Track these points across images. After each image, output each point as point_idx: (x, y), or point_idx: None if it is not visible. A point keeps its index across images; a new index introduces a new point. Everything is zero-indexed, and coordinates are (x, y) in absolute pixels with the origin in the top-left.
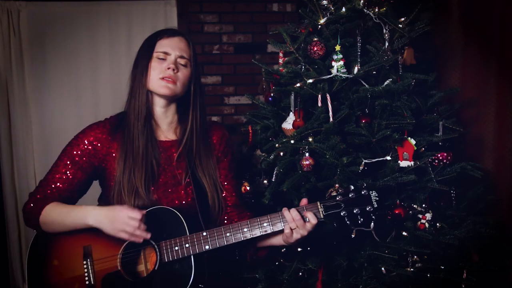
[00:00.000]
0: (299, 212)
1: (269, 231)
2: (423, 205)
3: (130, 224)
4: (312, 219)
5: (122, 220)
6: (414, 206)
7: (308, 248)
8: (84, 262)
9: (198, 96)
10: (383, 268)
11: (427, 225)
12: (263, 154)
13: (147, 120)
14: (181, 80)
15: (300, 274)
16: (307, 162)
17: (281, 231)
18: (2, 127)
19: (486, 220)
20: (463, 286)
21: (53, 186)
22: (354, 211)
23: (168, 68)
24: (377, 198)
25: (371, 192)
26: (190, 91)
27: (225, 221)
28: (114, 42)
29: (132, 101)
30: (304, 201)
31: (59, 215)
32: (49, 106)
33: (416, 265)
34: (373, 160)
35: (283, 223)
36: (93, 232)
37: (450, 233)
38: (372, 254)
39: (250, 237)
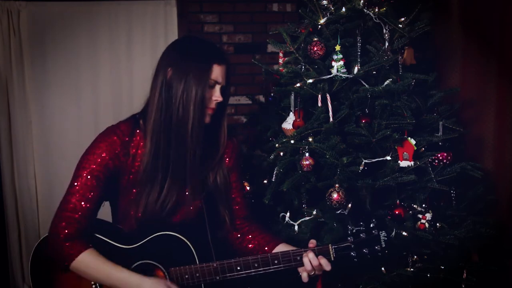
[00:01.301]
0: (316, 257)
1: (281, 268)
2: (423, 205)
3: None
4: (326, 266)
5: None
6: (414, 206)
7: None
8: (93, 284)
9: (225, 115)
10: (383, 268)
11: (427, 225)
12: (263, 154)
13: (198, 147)
14: (219, 104)
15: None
16: (307, 162)
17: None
18: (2, 127)
19: (486, 220)
20: (463, 286)
21: (80, 208)
22: (364, 251)
23: (216, 100)
24: (386, 238)
25: (380, 232)
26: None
27: (235, 233)
28: (114, 42)
29: (180, 120)
30: (311, 245)
31: (97, 272)
32: (49, 106)
33: (416, 265)
34: (373, 160)
35: (294, 262)
36: (102, 253)
37: (450, 233)
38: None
39: (262, 272)
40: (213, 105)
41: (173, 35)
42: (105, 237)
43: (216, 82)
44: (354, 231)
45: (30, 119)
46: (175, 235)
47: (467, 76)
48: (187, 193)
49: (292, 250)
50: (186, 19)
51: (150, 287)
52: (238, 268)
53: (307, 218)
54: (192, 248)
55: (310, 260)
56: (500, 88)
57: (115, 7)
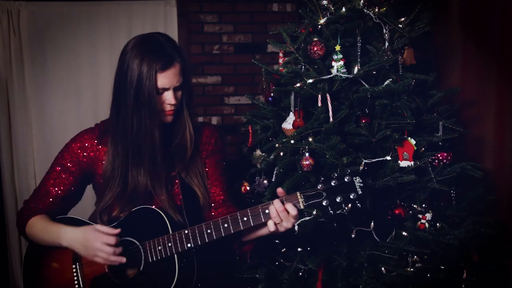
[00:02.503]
0: (282, 203)
1: (251, 225)
2: (423, 205)
3: (104, 251)
4: (291, 210)
5: (96, 246)
6: (414, 206)
7: (308, 248)
8: (73, 266)
9: (190, 104)
10: (383, 268)
11: (427, 225)
12: (263, 154)
13: (156, 149)
14: (178, 103)
15: (300, 274)
16: (307, 162)
17: (264, 224)
18: (2, 127)
19: (486, 220)
20: (463, 286)
21: (45, 194)
22: (337, 200)
23: (169, 104)
24: (361, 184)
25: (354, 178)
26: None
27: (213, 217)
28: (114, 42)
29: (133, 127)
30: (280, 190)
31: (39, 230)
32: (49, 106)
33: (416, 265)
34: (373, 160)
35: (263, 215)
36: None
37: (450, 233)
38: (372, 254)
39: (232, 232)
40: (167, 108)
41: (173, 35)
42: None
43: (164, 89)
44: (324, 179)
45: (30, 119)
46: (150, 208)
47: (467, 76)
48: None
49: (260, 204)
50: (186, 19)
51: (80, 236)
52: (209, 231)
53: (307, 218)
54: (166, 219)
55: (276, 208)
56: (500, 88)
57: (115, 7)
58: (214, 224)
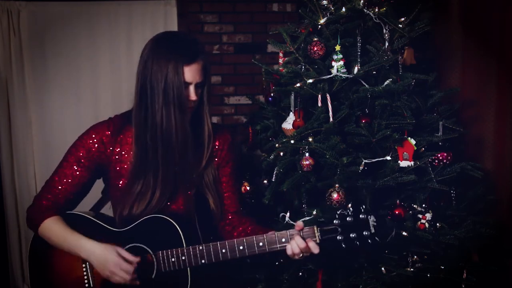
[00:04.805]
0: (304, 240)
1: (266, 251)
2: (423, 205)
3: (122, 277)
4: (314, 249)
5: (114, 271)
6: (414, 206)
7: None
8: (84, 265)
9: (209, 103)
10: (383, 268)
11: (427, 225)
12: (263, 154)
13: (188, 144)
14: (197, 101)
15: (300, 274)
16: (307, 162)
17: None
18: (2, 127)
19: (486, 220)
20: (463, 286)
21: (59, 188)
22: (351, 236)
23: (191, 100)
24: (375, 223)
25: (369, 216)
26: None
27: (226, 227)
28: (114, 42)
29: (163, 123)
30: (299, 224)
31: (56, 236)
32: (49, 106)
33: (416, 265)
34: (373, 160)
35: (279, 244)
36: (92, 234)
37: (450, 233)
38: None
39: (247, 255)
40: (190, 104)
41: None
42: (99, 221)
43: (188, 83)
44: (340, 214)
45: (30, 119)
46: (165, 218)
47: (467, 76)
48: (178, 196)
49: (278, 232)
50: (186, 19)
51: (100, 253)
52: (223, 250)
53: (307, 218)
54: (180, 231)
55: (297, 244)
56: (500, 88)
57: (115, 7)
58: (229, 244)
